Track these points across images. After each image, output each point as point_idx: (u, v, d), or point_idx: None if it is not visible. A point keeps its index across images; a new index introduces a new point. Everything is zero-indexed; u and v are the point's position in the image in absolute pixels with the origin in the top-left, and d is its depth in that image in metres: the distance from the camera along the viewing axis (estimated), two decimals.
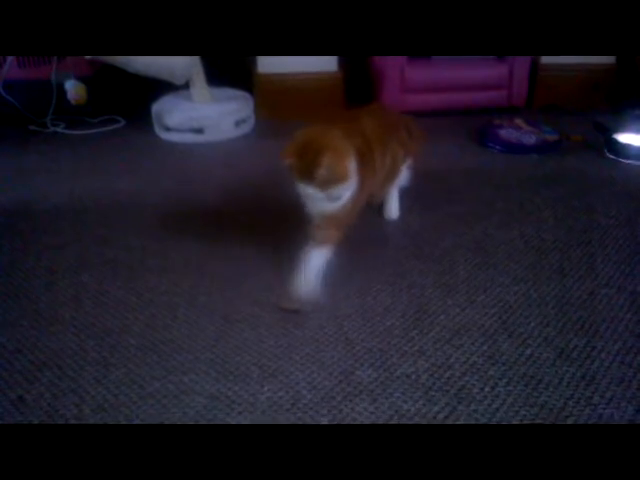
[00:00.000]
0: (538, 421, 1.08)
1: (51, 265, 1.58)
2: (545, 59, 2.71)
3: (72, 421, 1.10)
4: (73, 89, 2.53)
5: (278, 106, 2.61)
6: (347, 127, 1.36)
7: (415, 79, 2.56)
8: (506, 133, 2.32)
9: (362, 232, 1.67)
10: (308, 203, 1.36)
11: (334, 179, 1.26)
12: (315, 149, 1.24)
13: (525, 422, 1.08)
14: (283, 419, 1.09)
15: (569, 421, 1.07)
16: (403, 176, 1.69)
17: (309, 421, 1.09)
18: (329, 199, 1.31)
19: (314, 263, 1.37)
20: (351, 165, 1.30)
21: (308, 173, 1.24)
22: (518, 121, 2.42)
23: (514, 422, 1.08)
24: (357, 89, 2.73)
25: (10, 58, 2.49)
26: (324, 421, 1.09)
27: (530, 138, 2.29)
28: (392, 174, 1.61)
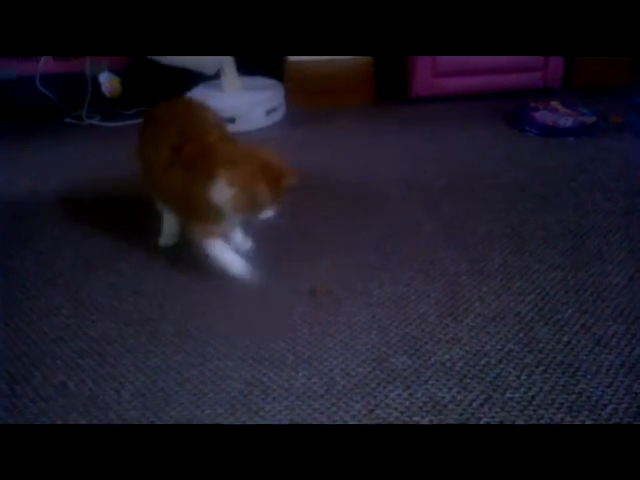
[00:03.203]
0: (575, 409, 1.06)
1: (90, 254, 1.62)
2: None
3: (112, 405, 1.13)
4: (107, 82, 2.58)
5: (309, 93, 2.60)
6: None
7: (447, 62, 2.51)
8: (542, 116, 2.27)
9: (394, 219, 1.67)
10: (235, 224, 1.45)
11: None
12: (278, 178, 1.29)
13: (562, 411, 1.06)
14: (317, 405, 1.10)
15: (608, 410, 1.06)
16: None
17: (343, 407, 1.10)
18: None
19: (224, 252, 1.41)
20: None
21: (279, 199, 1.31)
22: (554, 103, 2.36)
23: (551, 410, 1.07)
24: (388, 74, 2.70)
25: None
26: (358, 407, 1.09)
27: (567, 120, 2.23)
28: None
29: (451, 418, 1.06)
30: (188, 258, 1.57)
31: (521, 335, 1.25)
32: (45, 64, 2.56)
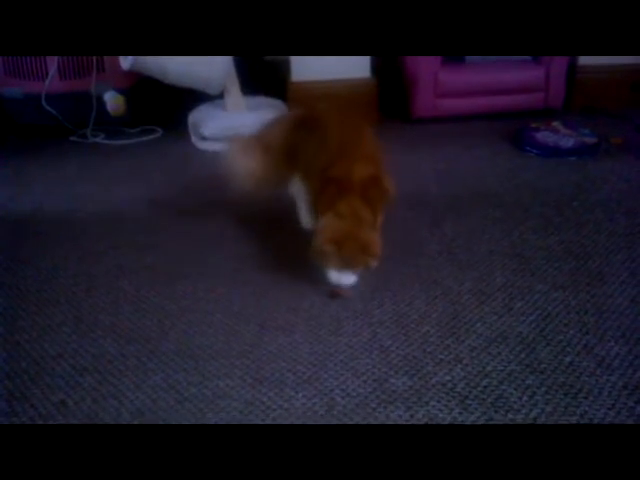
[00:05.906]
0: None
1: (91, 271, 1.62)
2: (583, 60, 2.65)
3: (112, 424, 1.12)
4: (112, 100, 2.60)
5: None
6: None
7: (449, 83, 2.54)
8: (543, 136, 2.29)
9: (396, 239, 1.67)
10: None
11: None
12: (358, 245, 1.35)
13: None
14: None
15: None
16: None
17: None
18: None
19: None
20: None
21: (351, 263, 1.36)
22: (555, 124, 2.37)
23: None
24: (391, 95, 2.73)
25: (52, 71, 2.57)
26: None
27: (568, 141, 2.24)
28: None
29: None
30: (190, 276, 1.57)
31: (523, 356, 1.24)
32: (51, 83, 2.59)
